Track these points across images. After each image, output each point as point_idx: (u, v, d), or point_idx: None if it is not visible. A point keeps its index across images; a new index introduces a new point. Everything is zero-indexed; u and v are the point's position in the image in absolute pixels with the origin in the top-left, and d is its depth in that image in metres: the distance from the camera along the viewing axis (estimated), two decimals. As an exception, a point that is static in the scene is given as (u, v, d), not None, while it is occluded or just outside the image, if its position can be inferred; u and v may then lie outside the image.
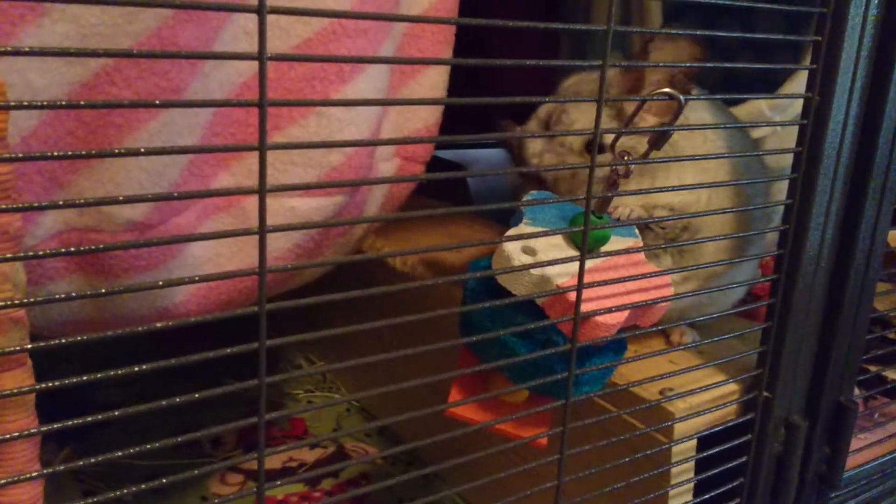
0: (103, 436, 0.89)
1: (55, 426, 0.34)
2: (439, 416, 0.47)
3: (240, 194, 0.42)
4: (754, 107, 0.83)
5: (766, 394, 0.60)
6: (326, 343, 1.09)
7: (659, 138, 0.49)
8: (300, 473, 0.88)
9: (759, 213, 0.69)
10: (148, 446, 0.36)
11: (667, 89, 0.48)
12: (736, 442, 0.60)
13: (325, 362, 1.15)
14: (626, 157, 0.51)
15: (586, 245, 0.47)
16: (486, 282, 0.54)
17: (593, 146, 0.45)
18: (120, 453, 0.35)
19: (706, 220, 0.64)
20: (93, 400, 0.99)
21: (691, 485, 0.61)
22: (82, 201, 0.32)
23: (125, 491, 0.37)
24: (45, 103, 0.30)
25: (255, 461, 0.40)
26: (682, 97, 0.48)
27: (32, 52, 0.26)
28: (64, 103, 0.29)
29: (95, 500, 0.36)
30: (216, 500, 0.60)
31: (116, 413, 0.35)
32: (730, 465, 0.60)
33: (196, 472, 0.39)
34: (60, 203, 0.31)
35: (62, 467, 0.33)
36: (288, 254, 0.58)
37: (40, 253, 0.35)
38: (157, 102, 0.30)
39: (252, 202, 0.54)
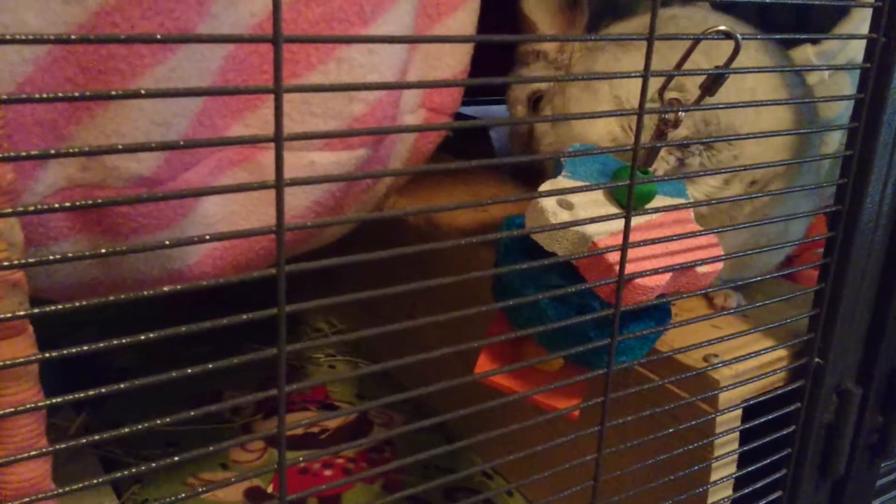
0: (120, 401, 0.88)
1: (57, 399, 0.31)
2: (466, 382, 0.44)
3: (255, 143, 0.38)
4: (801, 54, 0.77)
5: (817, 360, 0.56)
6: (349, 305, 1.07)
7: (713, 83, 0.45)
8: (324, 446, 0.86)
9: (810, 166, 0.64)
10: (158, 421, 0.33)
11: (723, 27, 0.43)
12: (784, 411, 0.56)
13: (346, 325, 1.12)
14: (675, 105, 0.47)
15: (632, 201, 0.43)
16: (521, 239, 0.50)
17: (642, 91, 0.40)
18: (127, 430, 0.32)
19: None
20: (110, 364, 0.97)
21: (735, 456, 0.57)
22: (81, 150, 0.28)
23: (152, 465, 0.34)
24: (31, 37, 0.26)
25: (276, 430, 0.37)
26: (738, 36, 0.43)
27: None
28: (52, 38, 0.25)
29: (117, 475, 0.34)
30: (233, 477, 0.57)
31: (122, 386, 0.32)
32: (776, 435, 0.57)
33: (210, 448, 0.36)
34: (52, 152, 0.27)
35: (64, 445, 0.31)
36: (307, 212, 0.54)
37: (37, 208, 0.32)
38: (159, 37, 0.26)
39: (269, 156, 0.50)
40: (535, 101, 0.72)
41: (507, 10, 0.70)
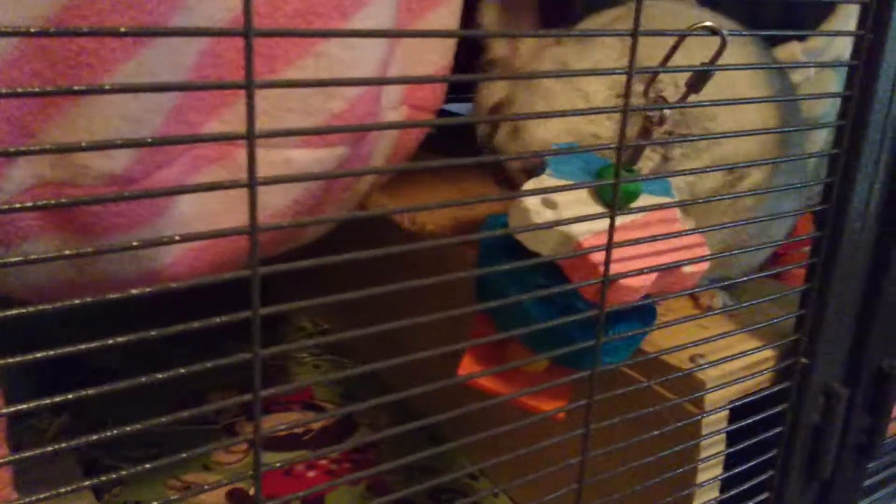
0: (101, 402, 0.86)
1: (22, 407, 0.31)
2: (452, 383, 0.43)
3: (226, 140, 0.37)
4: (788, 51, 0.77)
5: (804, 360, 0.56)
6: (334, 304, 1.05)
7: (698, 80, 0.44)
8: (308, 447, 0.85)
9: (795, 162, 0.64)
10: (139, 425, 0.33)
11: (708, 23, 0.43)
12: (771, 412, 0.56)
13: (331, 325, 1.11)
14: (660, 102, 0.46)
15: (617, 200, 0.42)
16: (504, 238, 0.49)
17: (626, 89, 0.40)
18: (96, 437, 0.31)
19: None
20: (89, 365, 0.96)
21: (722, 457, 0.57)
22: (43, 148, 0.27)
23: (128, 471, 0.34)
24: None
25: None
26: (724, 32, 0.43)
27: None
28: (9, 30, 0.24)
29: (99, 479, 0.33)
30: (215, 480, 0.56)
31: (90, 392, 0.31)
32: (763, 436, 0.56)
33: (186, 454, 0.35)
34: (12, 150, 0.26)
35: (19, 455, 0.30)
36: (286, 210, 0.53)
37: (2, 208, 0.31)
38: (122, 30, 0.25)
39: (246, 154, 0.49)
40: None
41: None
